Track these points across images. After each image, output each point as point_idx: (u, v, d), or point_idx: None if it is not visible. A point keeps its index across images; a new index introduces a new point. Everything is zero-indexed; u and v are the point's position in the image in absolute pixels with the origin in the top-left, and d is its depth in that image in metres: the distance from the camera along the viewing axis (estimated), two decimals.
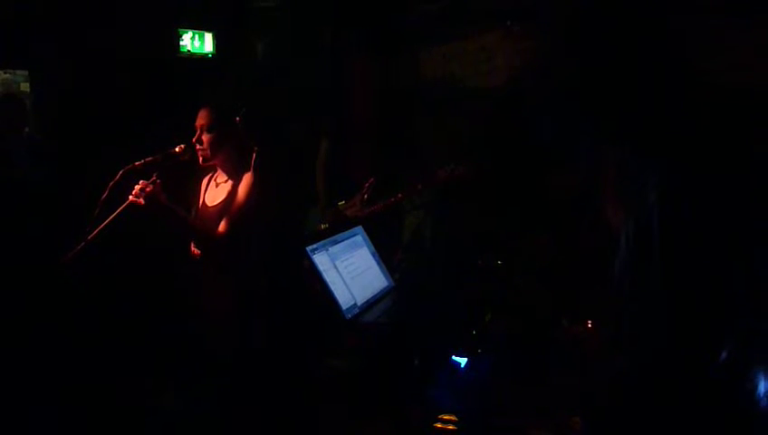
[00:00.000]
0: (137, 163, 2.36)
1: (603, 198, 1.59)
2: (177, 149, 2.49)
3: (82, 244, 2.26)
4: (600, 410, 1.56)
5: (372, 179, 3.64)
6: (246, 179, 2.55)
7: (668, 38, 1.41)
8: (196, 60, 4.70)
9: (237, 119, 2.65)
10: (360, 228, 2.82)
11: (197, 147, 2.51)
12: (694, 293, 1.31)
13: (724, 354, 1.27)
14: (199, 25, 4.69)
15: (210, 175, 2.70)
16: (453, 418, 1.74)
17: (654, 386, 1.38)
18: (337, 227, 3.19)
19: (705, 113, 1.39)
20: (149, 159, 2.38)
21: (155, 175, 2.34)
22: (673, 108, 1.38)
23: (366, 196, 3.59)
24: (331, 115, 3.94)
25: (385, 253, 2.84)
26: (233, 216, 2.49)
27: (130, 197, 2.30)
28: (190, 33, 4.66)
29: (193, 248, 2.58)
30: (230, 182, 2.58)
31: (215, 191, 2.64)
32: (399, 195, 3.50)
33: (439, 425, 1.73)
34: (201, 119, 2.53)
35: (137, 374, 2.97)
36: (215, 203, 2.59)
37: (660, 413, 1.36)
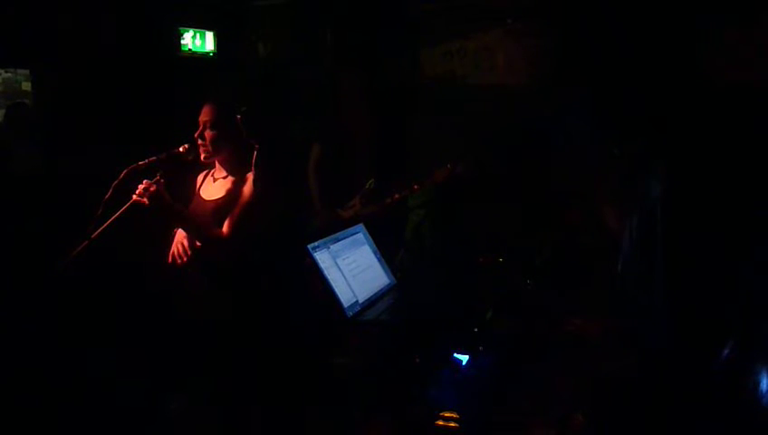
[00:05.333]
0: (140, 163, 2.36)
1: (599, 197, 1.59)
2: (180, 149, 2.49)
3: (85, 243, 2.27)
4: (602, 407, 1.56)
5: (371, 181, 3.64)
6: (249, 178, 2.55)
7: (673, 37, 1.41)
8: (198, 58, 4.70)
9: (238, 117, 2.66)
10: (361, 226, 2.82)
11: (199, 142, 2.51)
12: (697, 289, 1.32)
13: (726, 352, 1.28)
14: (200, 24, 4.69)
15: (206, 171, 2.71)
16: (454, 416, 1.75)
17: (656, 383, 1.38)
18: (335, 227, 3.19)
19: (709, 111, 1.39)
20: (153, 158, 2.38)
21: (158, 174, 2.34)
22: (677, 105, 1.39)
23: (364, 197, 3.59)
24: (324, 119, 3.94)
25: (387, 251, 2.84)
26: (237, 215, 2.49)
27: (134, 196, 2.31)
28: (191, 32, 4.66)
29: (174, 249, 2.56)
30: (230, 179, 2.58)
31: (212, 186, 2.64)
32: (396, 195, 3.50)
33: (441, 423, 1.74)
34: (205, 115, 2.53)
35: (138, 375, 2.98)
36: (212, 198, 2.59)
37: (662, 410, 1.37)
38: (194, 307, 2.63)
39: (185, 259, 2.51)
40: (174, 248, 2.55)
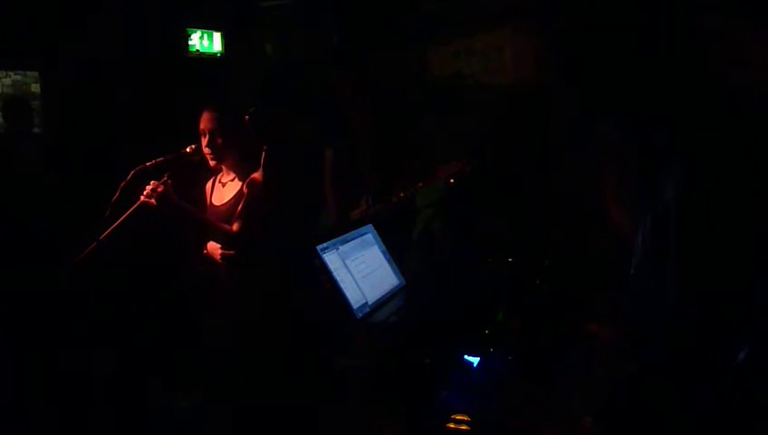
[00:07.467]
0: (147, 164, 2.36)
1: (606, 198, 1.58)
2: (187, 150, 2.49)
3: (94, 244, 2.27)
4: (614, 410, 1.54)
5: (376, 182, 3.63)
6: (256, 178, 2.55)
7: (686, 37, 1.39)
8: (205, 59, 4.71)
9: (246, 118, 2.65)
10: (370, 227, 2.80)
11: (207, 150, 2.50)
12: (711, 292, 1.30)
13: (741, 355, 1.26)
14: (208, 25, 4.70)
15: (214, 177, 2.71)
16: (465, 418, 1.73)
17: (669, 386, 1.36)
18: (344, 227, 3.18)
19: (723, 112, 1.37)
20: (160, 159, 2.39)
21: (166, 175, 2.34)
22: (691, 106, 1.37)
23: (371, 197, 3.58)
24: (331, 121, 3.93)
25: (396, 251, 2.82)
26: (246, 212, 2.49)
27: (142, 197, 2.31)
28: (199, 33, 4.67)
29: (207, 250, 2.58)
30: (237, 181, 2.58)
31: (221, 191, 2.64)
32: (401, 194, 3.49)
33: (452, 425, 1.73)
34: (205, 123, 2.52)
35: (146, 374, 2.98)
36: (223, 202, 2.59)
37: (675, 413, 1.35)
38: (204, 307, 2.64)
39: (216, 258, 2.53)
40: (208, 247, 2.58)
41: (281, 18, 4.90)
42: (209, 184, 2.71)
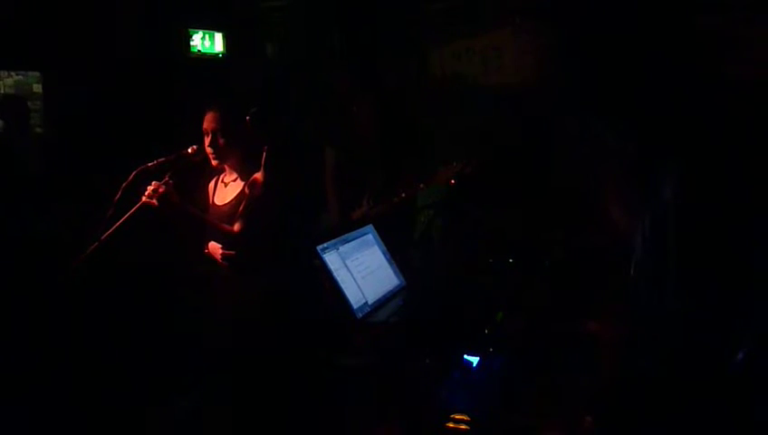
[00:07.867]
0: (149, 164, 2.37)
1: (607, 198, 1.58)
2: (189, 150, 2.50)
3: (95, 245, 2.28)
4: (613, 410, 1.55)
5: (376, 182, 3.63)
6: (258, 178, 2.56)
7: (684, 34, 1.39)
8: (207, 60, 4.71)
9: (247, 118, 2.66)
10: (370, 227, 2.81)
11: (209, 150, 2.52)
12: (710, 291, 1.30)
13: (741, 355, 1.26)
14: (209, 25, 4.71)
15: (217, 176, 2.72)
16: (465, 418, 1.74)
17: (669, 386, 1.37)
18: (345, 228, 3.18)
19: (721, 110, 1.37)
20: (162, 159, 2.40)
21: (167, 176, 2.35)
22: (689, 104, 1.37)
23: (371, 197, 3.58)
24: (332, 120, 3.94)
25: (396, 252, 2.83)
26: (246, 212, 2.50)
27: (143, 198, 2.32)
28: (200, 33, 4.68)
29: (208, 250, 2.59)
30: (239, 181, 2.60)
31: (223, 191, 2.65)
32: (402, 194, 3.49)
33: (451, 425, 1.73)
34: (208, 122, 2.54)
35: (145, 375, 2.98)
36: (225, 202, 2.60)
37: (675, 414, 1.35)
38: (204, 307, 2.65)
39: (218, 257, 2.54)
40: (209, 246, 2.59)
41: (281, 18, 4.91)
42: (212, 184, 2.72)
